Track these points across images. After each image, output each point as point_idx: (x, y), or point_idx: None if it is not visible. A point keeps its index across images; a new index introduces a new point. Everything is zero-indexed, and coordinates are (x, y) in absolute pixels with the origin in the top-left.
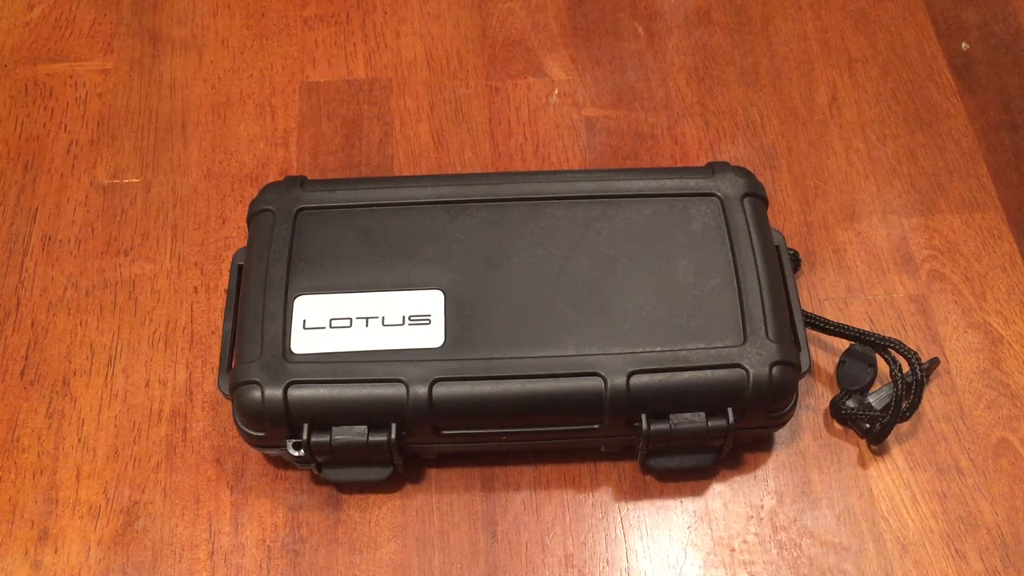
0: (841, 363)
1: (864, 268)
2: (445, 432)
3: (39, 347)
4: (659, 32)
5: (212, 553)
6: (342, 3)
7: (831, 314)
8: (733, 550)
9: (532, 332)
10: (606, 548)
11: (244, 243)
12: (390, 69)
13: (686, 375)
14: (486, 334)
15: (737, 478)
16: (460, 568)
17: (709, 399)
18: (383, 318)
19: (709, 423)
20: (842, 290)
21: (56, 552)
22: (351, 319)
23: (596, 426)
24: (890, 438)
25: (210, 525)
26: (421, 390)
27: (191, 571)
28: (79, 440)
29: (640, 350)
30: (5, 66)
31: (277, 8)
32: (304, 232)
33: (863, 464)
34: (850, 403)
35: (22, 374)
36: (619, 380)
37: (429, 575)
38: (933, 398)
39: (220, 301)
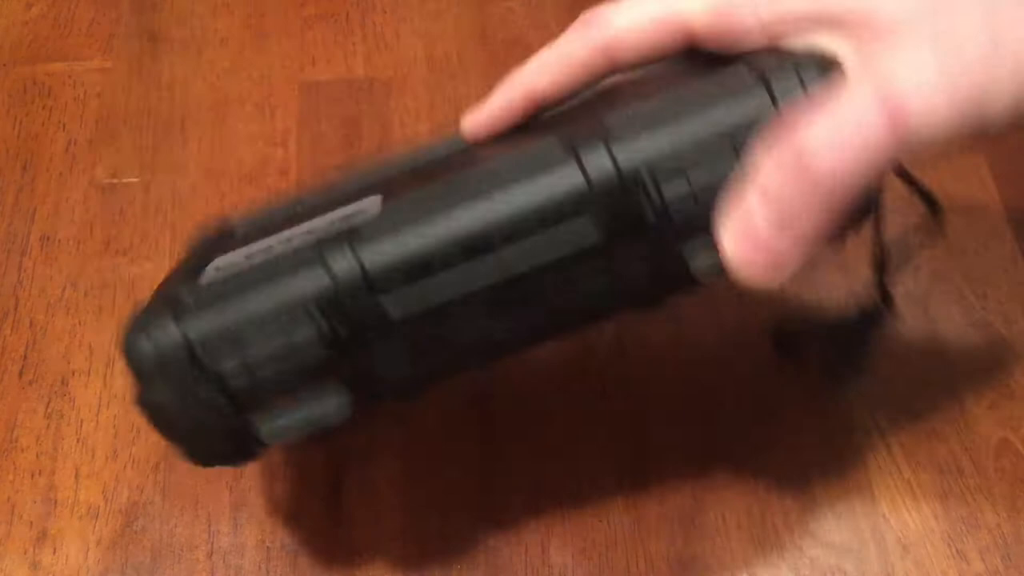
0: None
1: (865, 268)
2: (398, 317)
3: (38, 347)
4: None
5: (211, 554)
6: (341, 2)
7: None
8: None
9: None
10: (606, 549)
11: None
12: (390, 68)
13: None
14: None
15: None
16: (460, 568)
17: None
18: (309, 229)
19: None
20: (843, 291)
21: (55, 553)
22: (272, 244)
23: (593, 240)
24: (890, 438)
25: (209, 526)
26: (348, 262)
27: (190, 571)
28: (78, 440)
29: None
30: (3, 65)
31: (276, 7)
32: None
33: (864, 464)
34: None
35: (21, 374)
36: (602, 160)
37: (429, 575)
38: (934, 398)
39: None
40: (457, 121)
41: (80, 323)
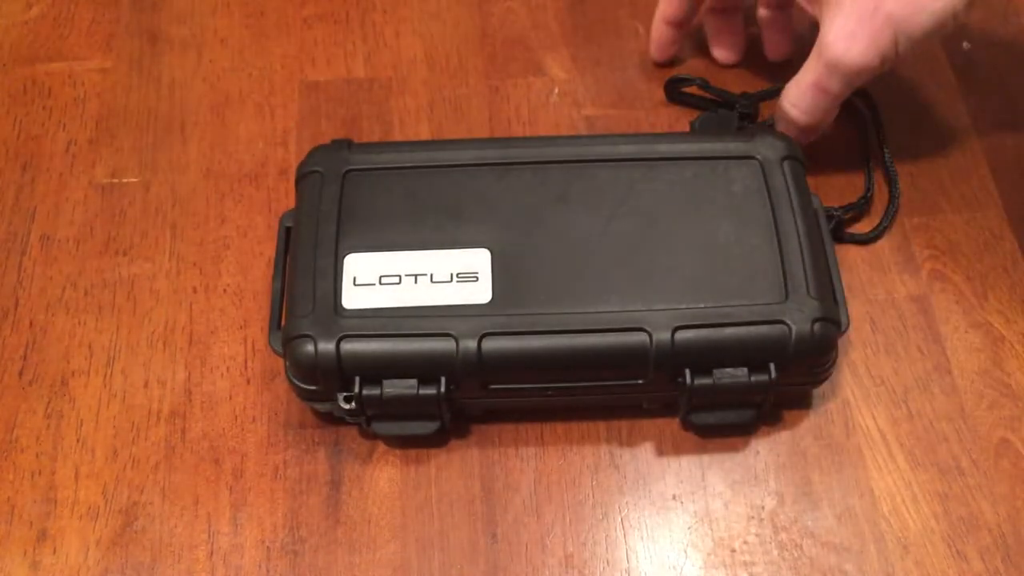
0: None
1: (865, 268)
2: (493, 387)
3: (37, 347)
4: None
5: (211, 554)
6: (341, 2)
7: None
8: (734, 551)
9: (578, 289)
10: (606, 549)
11: (243, 242)
12: (389, 68)
13: (730, 331)
14: (532, 290)
15: (737, 478)
16: (460, 568)
17: (752, 354)
18: (431, 275)
19: (752, 378)
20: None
21: (55, 553)
22: (400, 276)
23: (640, 381)
24: (891, 439)
25: (209, 526)
26: (471, 344)
27: (190, 572)
28: (78, 440)
29: (684, 306)
30: (3, 65)
31: (276, 7)
32: (352, 192)
33: (864, 464)
34: None
35: (20, 374)
36: (664, 335)
37: (429, 575)
38: (934, 398)
39: (219, 301)
40: (457, 121)
41: (80, 323)
